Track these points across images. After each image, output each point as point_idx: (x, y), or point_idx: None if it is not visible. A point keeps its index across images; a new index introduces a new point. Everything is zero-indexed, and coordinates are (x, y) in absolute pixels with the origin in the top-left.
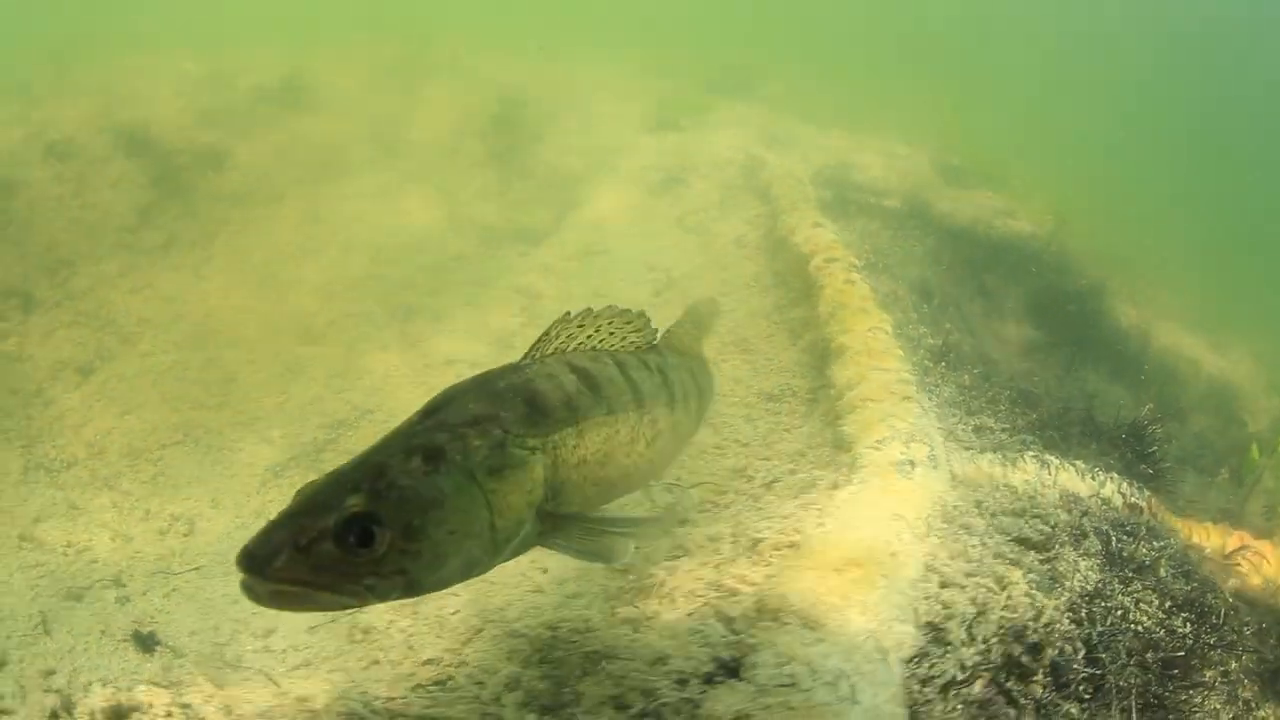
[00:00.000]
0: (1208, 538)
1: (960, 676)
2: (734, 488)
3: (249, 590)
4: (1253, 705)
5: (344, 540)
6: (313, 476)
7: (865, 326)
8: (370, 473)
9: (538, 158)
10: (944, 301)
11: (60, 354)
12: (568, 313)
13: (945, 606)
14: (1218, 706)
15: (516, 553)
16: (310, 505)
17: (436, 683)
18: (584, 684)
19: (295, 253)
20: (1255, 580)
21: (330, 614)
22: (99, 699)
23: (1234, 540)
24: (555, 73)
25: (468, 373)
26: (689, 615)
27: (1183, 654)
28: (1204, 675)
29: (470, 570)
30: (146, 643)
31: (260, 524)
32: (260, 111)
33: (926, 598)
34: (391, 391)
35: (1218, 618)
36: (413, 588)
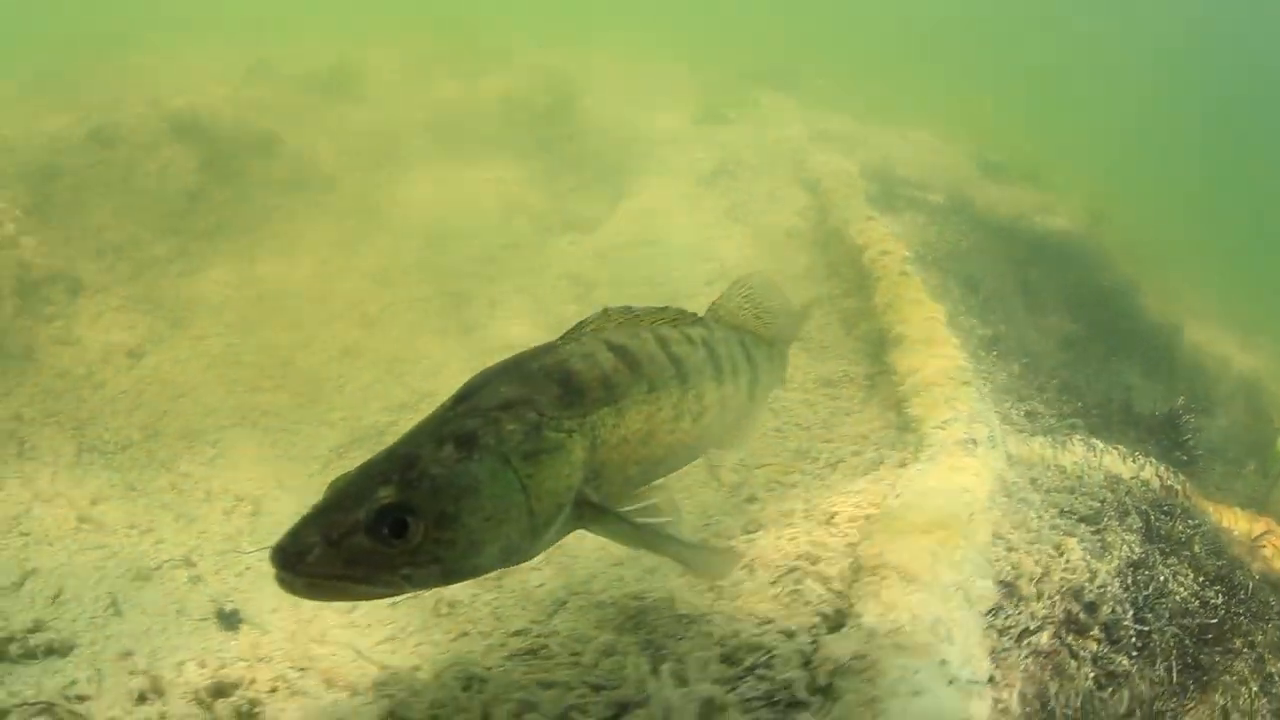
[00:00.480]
0: (1235, 522)
1: (1031, 626)
2: (799, 469)
3: (285, 585)
4: (1276, 679)
5: (377, 532)
6: None
7: (921, 316)
8: (401, 463)
9: (586, 148)
10: (990, 295)
11: (110, 337)
12: (606, 309)
13: (1014, 567)
14: (1245, 673)
15: (560, 535)
16: (341, 499)
17: (529, 652)
18: (683, 646)
19: (347, 239)
20: (1279, 564)
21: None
22: (198, 676)
23: (1260, 525)
24: (602, 65)
25: None
26: (775, 582)
27: (1215, 622)
28: (1234, 643)
29: (510, 556)
30: (230, 620)
31: None
32: (308, 99)
33: (998, 560)
34: (450, 375)
35: (1246, 592)
36: (450, 575)
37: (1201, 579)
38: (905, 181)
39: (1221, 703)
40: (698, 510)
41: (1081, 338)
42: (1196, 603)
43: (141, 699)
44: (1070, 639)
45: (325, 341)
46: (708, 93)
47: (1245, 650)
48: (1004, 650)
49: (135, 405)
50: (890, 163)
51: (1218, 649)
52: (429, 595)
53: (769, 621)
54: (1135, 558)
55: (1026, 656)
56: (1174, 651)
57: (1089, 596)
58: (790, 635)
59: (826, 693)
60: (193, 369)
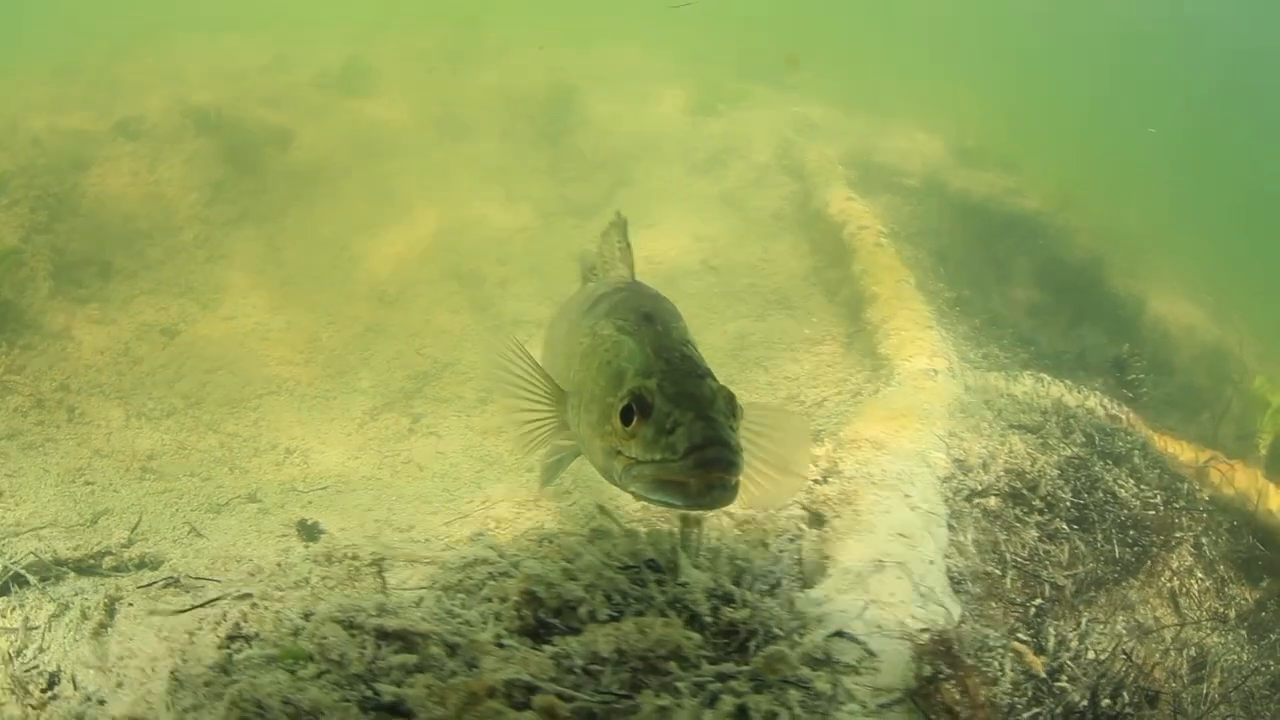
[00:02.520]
0: (1181, 451)
1: (979, 488)
2: (787, 409)
3: (718, 493)
4: (1227, 581)
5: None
6: (405, 420)
7: (893, 279)
8: (706, 369)
9: (585, 140)
10: (958, 266)
11: (143, 318)
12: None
13: (965, 451)
14: (1191, 563)
15: None
16: (712, 395)
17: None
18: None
19: (364, 225)
20: (1228, 490)
21: (465, 510)
22: (305, 551)
23: (1205, 455)
24: (599, 60)
25: (536, 332)
26: None
27: (1153, 514)
28: (1175, 535)
29: None
30: (311, 531)
31: (369, 458)
32: (322, 95)
33: (952, 444)
34: (468, 348)
35: (1186, 499)
36: None
37: (1141, 484)
38: (883, 167)
39: (1170, 586)
40: None
41: (1047, 306)
42: (1137, 502)
43: (254, 571)
44: (1015, 506)
45: (348, 320)
46: (701, 87)
47: (1186, 542)
48: (956, 504)
49: (175, 378)
50: (870, 150)
51: (1158, 537)
52: (477, 513)
53: None
54: (1075, 457)
55: (976, 512)
56: (1113, 530)
57: (1030, 477)
58: None
59: (820, 521)
60: (226, 346)
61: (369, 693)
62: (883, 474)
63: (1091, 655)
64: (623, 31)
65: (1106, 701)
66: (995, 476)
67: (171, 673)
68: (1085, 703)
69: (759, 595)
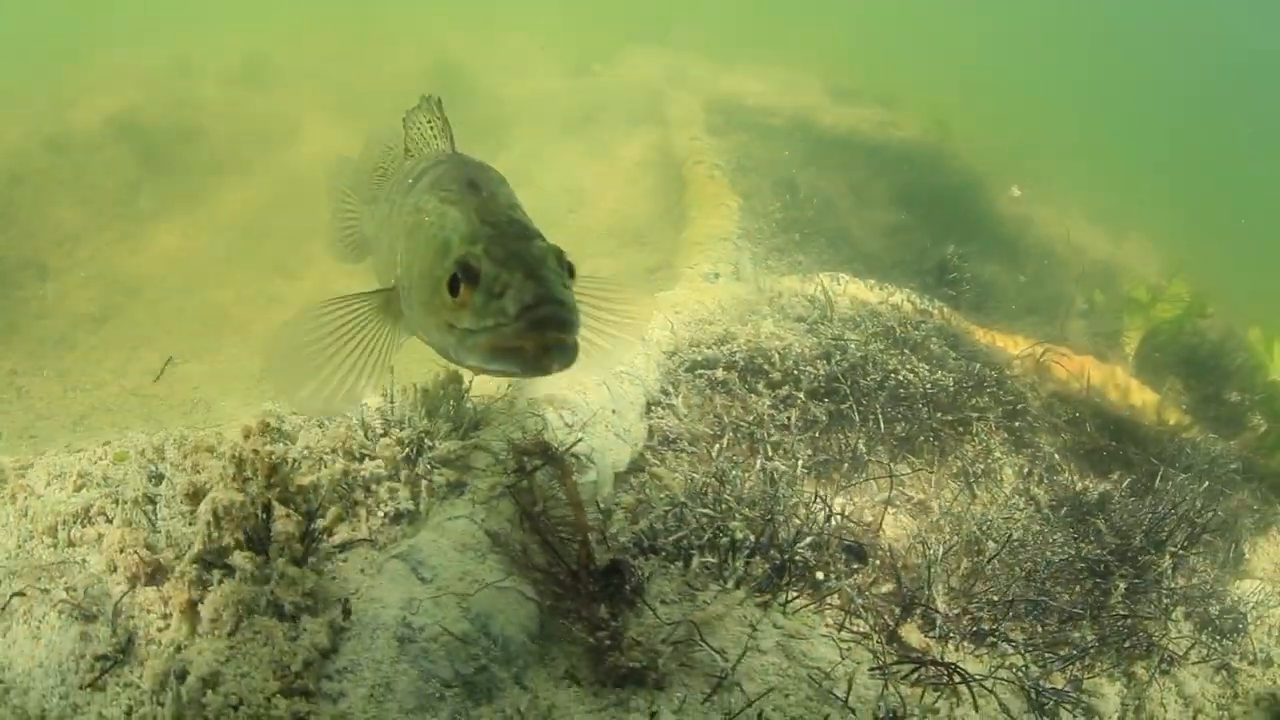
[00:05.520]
0: (1014, 345)
1: (703, 360)
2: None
3: (559, 353)
4: (1058, 470)
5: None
6: None
7: (713, 204)
8: (534, 229)
9: (473, 109)
10: (809, 193)
11: (77, 309)
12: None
13: (705, 333)
14: (991, 443)
15: None
16: (540, 251)
17: None
18: None
19: (267, 207)
20: (1075, 386)
21: None
22: None
23: (1038, 348)
24: (490, 34)
25: None
26: None
27: (941, 395)
28: (964, 414)
29: None
30: None
31: (261, 406)
32: (226, 92)
33: (686, 328)
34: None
35: (982, 379)
36: None
37: (937, 370)
38: (750, 110)
39: (964, 467)
40: None
41: (909, 227)
42: (924, 384)
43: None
44: (751, 379)
45: (253, 294)
46: (582, 51)
47: (981, 421)
48: (676, 373)
49: (104, 358)
50: (739, 96)
51: (949, 416)
52: None
53: None
54: (842, 341)
55: (701, 381)
56: (879, 407)
57: (774, 355)
58: None
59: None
60: (148, 327)
61: None
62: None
63: (773, 490)
64: (514, 11)
65: (789, 539)
66: (729, 352)
67: None
68: (756, 537)
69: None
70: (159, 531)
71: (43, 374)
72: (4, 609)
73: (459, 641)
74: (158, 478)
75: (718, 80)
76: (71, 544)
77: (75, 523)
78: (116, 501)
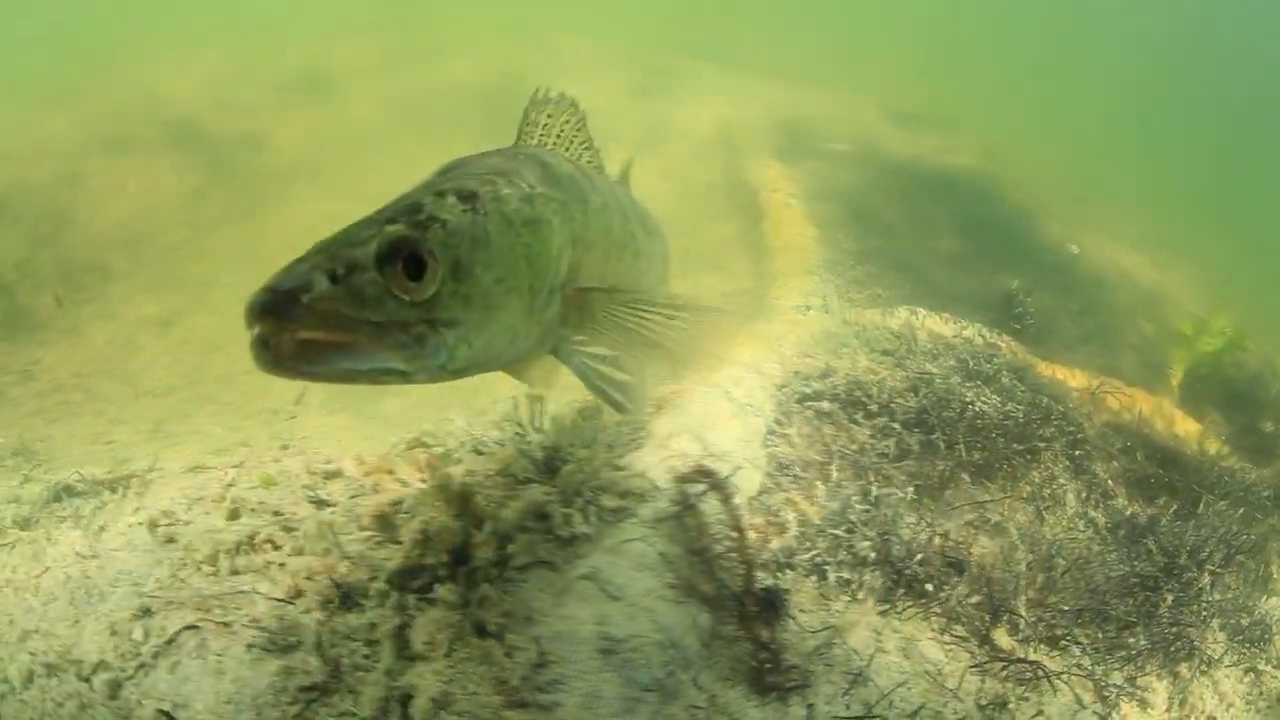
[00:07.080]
0: (1073, 378)
1: (812, 393)
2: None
3: (264, 348)
4: (1112, 495)
5: (390, 267)
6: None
7: (794, 233)
8: (406, 208)
9: None
10: (875, 220)
11: (141, 312)
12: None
13: (808, 365)
14: (1055, 470)
15: (541, 344)
16: (342, 236)
17: None
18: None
19: (335, 216)
20: (1127, 416)
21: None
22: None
23: (1096, 381)
24: (551, 49)
25: None
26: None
27: (1012, 425)
28: (1033, 444)
29: (513, 342)
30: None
31: (343, 416)
32: (289, 99)
33: (792, 361)
34: None
35: (1048, 412)
36: (463, 344)
37: (1007, 402)
38: (815, 135)
39: (1032, 491)
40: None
41: (967, 254)
42: (997, 415)
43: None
44: (851, 410)
45: None
46: (644, 68)
47: (1048, 450)
48: (787, 405)
49: (174, 361)
50: (805, 120)
51: (1017, 446)
52: None
53: None
54: (928, 375)
55: (808, 412)
56: (961, 436)
57: (871, 388)
58: None
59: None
60: (217, 332)
61: None
62: (714, 380)
63: (886, 513)
64: (569, 20)
65: (902, 556)
66: (833, 384)
67: None
68: (875, 555)
69: (577, 448)
70: (348, 556)
71: (110, 376)
72: (170, 643)
73: (656, 649)
74: (319, 502)
75: (780, 102)
76: (235, 572)
77: (239, 551)
78: (286, 529)
